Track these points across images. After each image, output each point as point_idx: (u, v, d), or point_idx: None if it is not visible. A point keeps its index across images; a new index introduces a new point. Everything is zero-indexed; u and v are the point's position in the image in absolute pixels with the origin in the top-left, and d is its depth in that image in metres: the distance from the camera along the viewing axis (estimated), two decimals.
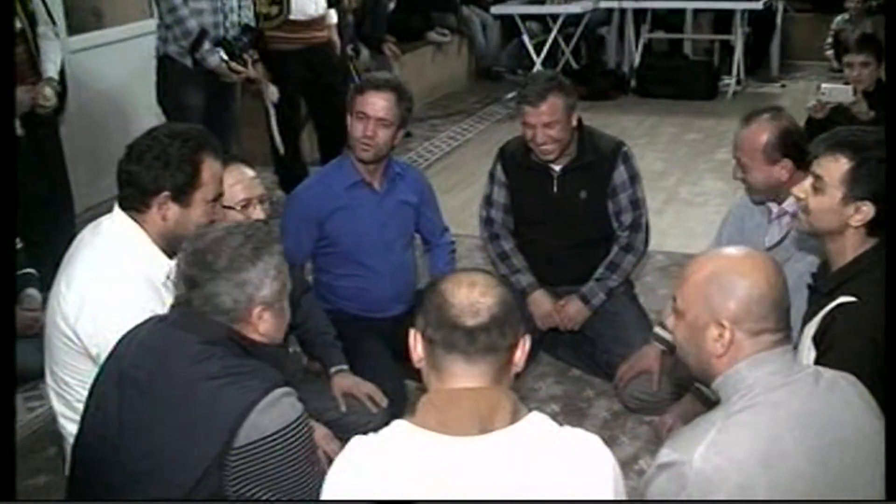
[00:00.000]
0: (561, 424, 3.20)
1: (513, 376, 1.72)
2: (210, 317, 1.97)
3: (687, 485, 1.63)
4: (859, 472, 1.70)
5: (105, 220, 2.48)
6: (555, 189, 3.54)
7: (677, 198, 5.68)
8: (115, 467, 1.93)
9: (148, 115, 5.01)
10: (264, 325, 2.02)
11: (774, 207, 3.06)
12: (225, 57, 4.59)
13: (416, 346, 1.69)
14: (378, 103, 3.26)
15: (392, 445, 1.61)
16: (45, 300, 3.02)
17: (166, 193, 2.40)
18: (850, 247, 2.26)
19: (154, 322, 2.07)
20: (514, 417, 1.62)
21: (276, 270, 2.02)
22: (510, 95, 8.10)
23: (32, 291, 3.72)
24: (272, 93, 5.10)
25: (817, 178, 2.27)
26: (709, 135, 6.95)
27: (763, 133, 2.93)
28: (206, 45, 4.55)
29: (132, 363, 1.99)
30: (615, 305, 3.58)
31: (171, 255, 2.38)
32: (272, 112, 5.23)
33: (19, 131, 3.87)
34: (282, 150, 5.35)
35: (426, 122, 7.54)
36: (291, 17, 5.26)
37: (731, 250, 1.87)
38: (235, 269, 1.97)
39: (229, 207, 2.65)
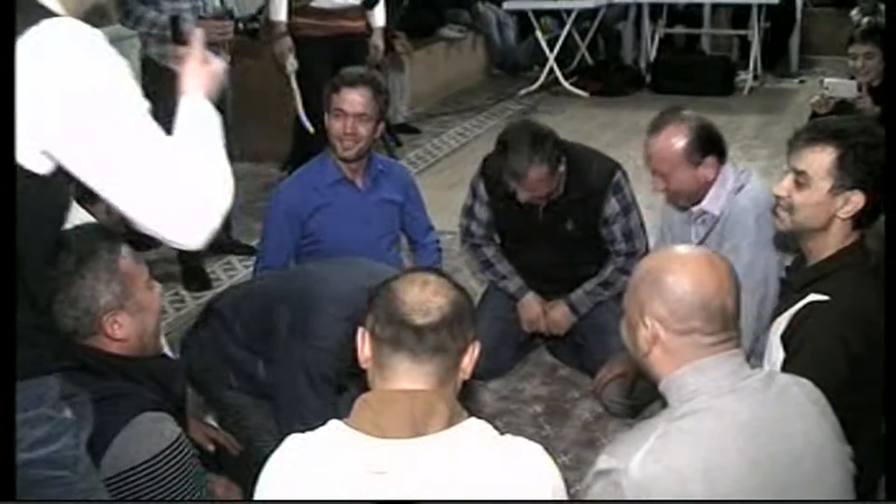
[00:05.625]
0: (543, 425, 3.27)
1: (460, 383, 1.68)
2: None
3: (624, 493, 1.58)
4: (809, 484, 1.64)
5: None
6: (540, 218, 3.43)
7: None
8: None
9: None
10: (124, 330, 1.97)
11: (694, 208, 3.03)
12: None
13: (364, 346, 1.67)
14: (355, 99, 3.24)
15: (324, 445, 1.59)
16: None
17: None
18: (833, 242, 2.20)
19: None
20: (451, 422, 1.58)
21: (108, 273, 1.94)
22: (523, 92, 8.07)
23: None
24: (291, 62, 5.07)
25: (800, 173, 2.19)
26: (723, 131, 6.77)
27: (677, 137, 2.87)
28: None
29: None
30: (602, 310, 3.52)
31: None
32: (296, 88, 5.17)
33: None
34: (310, 128, 5.09)
35: (436, 118, 7.50)
36: (316, 4, 5.13)
37: (676, 249, 1.82)
38: (64, 288, 1.90)
39: None
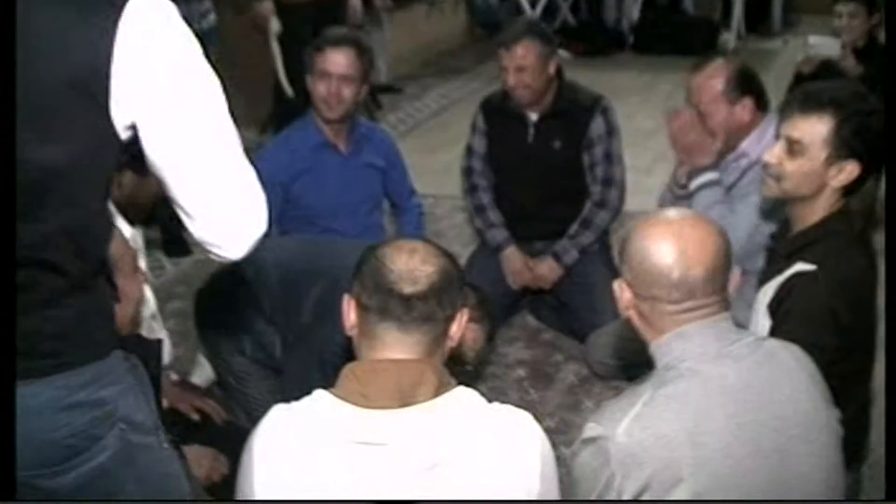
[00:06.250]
0: (527, 389, 3.27)
1: (447, 349, 1.66)
2: None
3: (610, 460, 1.57)
4: (795, 450, 1.63)
5: None
6: (530, 138, 3.54)
7: (666, 157, 5.57)
8: None
9: None
10: None
11: (729, 156, 2.95)
12: None
13: (350, 312, 1.64)
14: (339, 60, 3.18)
15: (310, 416, 1.57)
16: None
17: None
18: (821, 208, 2.17)
19: None
20: (439, 391, 1.56)
21: None
22: None
23: None
24: (273, 24, 5.03)
25: (794, 141, 2.15)
26: None
27: (719, 74, 2.86)
28: None
29: None
30: (588, 268, 3.54)
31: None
32: (277, 52, 5.11)
33: None
34: (290, 92, 5.10)
35: (417, 80, 7.46)
36: None
37: (659, 214, 1.82)
38: None
39: None
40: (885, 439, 1.80)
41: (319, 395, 1.59)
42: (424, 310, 1.57)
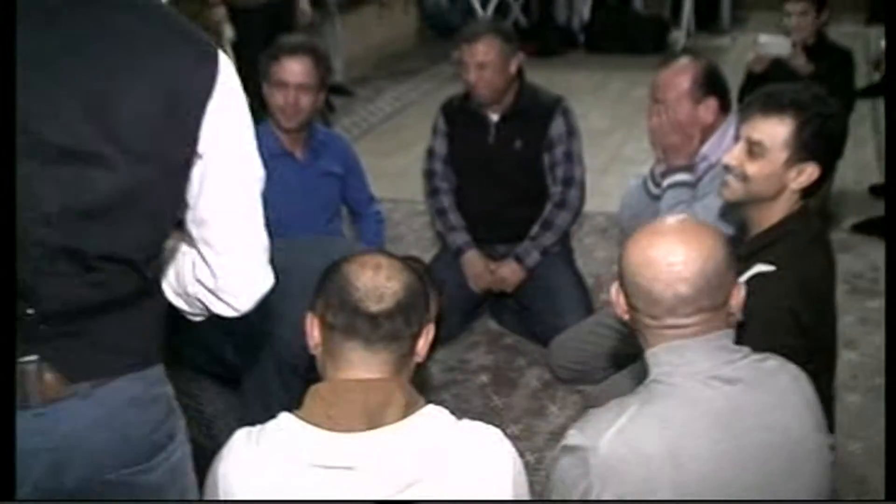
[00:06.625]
0: (490, 395, 3.25)
1: (414, 366, 1.63)
2: None
3: (589, 472, 1.55)
4: (779, 480, 1.59)
5: None
6: (491, 139, 3.54)
7: (621, 157, 5.62)
8: None
9: None
10: None
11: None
12: None
13: (314, 331, 1.61)
14: (296, 69, 3.14)
15: (275, 440, 1.53)
16: None
17: None
18: (780, 210, 2.17)
19: None
20: (407, 411, 1.53)
21: None
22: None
23: None
24: (227, 31, 4.97)
25: (755, 142, 2.15)
26: None
27: (686, 72, 2.85)
28: None
29: None
30: (550, 271, 3.54)
31: None
32: (232, 59, 5.04)
33: None
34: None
35: (370, 82, 7.41)
36: None
37: (659, 222, 1.75)
38: None
39: None
40: (885, 439, 1.79)
41: (284, 418, 1.55)
42: (391, 328, 1.54)
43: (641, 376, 2.67)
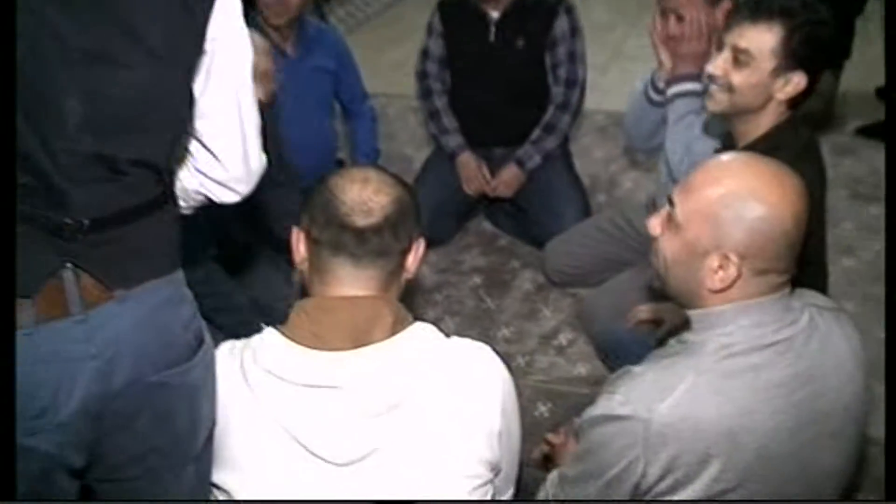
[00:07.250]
0: (483, 297, 3.23)
1: (404, 283, 1.59)
2: None
3: (638, 444, 1.47)
4: (827, 445, 1.55)
5: None
6: (492, 37, 3.42)
7: (623, 53, 5.49)
8: None
9: None
10: None
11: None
12: None
13: (300, 245, 1.56)
14: None
15: (259, 355, 1.50)
16: None
17: None
18: (766, 122, 2.11)
19: None
20: (395, 329, 1.49)
21: None
22: None
23: None
24: None
25: (741, 50, 2.07)
26: None
27: None
28: None
29: None
30: (548, 173, 3.48)
31: None
32: None
33: None
34: None
35: None
36: None
37: (760, 166, 1.51)
38: None
39: None
40: (885, 439, 1.77)
41: (269, 334, 1.51)
42: (379, 243, 1.50)
43: (635, 283, 2.68)
